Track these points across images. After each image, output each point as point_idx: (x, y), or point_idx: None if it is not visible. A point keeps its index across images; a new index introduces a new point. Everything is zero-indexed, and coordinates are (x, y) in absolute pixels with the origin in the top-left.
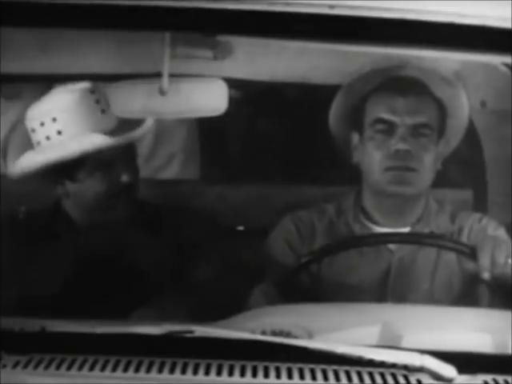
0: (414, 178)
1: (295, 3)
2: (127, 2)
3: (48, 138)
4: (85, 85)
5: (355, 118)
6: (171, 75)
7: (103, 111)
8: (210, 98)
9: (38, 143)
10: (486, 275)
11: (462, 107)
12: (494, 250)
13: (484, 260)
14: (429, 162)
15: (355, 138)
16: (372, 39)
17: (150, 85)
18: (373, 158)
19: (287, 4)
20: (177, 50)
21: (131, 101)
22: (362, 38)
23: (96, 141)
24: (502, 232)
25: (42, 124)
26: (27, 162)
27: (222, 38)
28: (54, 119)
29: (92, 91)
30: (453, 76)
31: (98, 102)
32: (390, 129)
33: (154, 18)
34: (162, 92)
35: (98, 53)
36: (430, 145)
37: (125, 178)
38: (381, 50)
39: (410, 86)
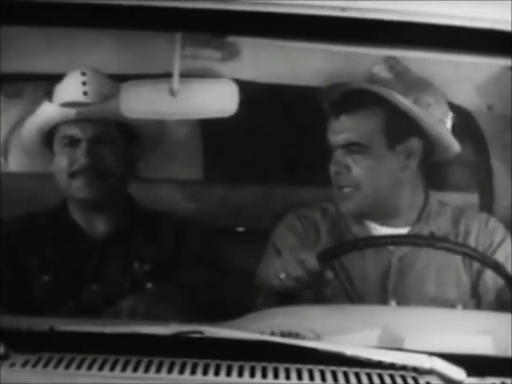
0: (356, 195)
1: (305, 5)
2: (136, 2)
3: None
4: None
5: None
6: (181, 76)
7: (85, 93)
8: (220, 99)
9: None
10: None
11: (409, 109)
12: None
13: None
14: (367, 175)
15: None
16: (378, 41)
17: (160, 85)
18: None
19: (296, 6)
20: (185, 51)
21: (141, 101)
22: (372, 40)
23: (47, 108)
24: (508, 244)
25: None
26: (25, 125)
27: (230, 39)
28: (50, 93)
29: (83, 73)
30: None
31: (84, 84)
32: (332, 148)
33: (163, 18)
34: (173, 92)
35: (105, 53)
36: (365, 159)
37: (82, 160)
38: (386, 52)
39: (347, 102)
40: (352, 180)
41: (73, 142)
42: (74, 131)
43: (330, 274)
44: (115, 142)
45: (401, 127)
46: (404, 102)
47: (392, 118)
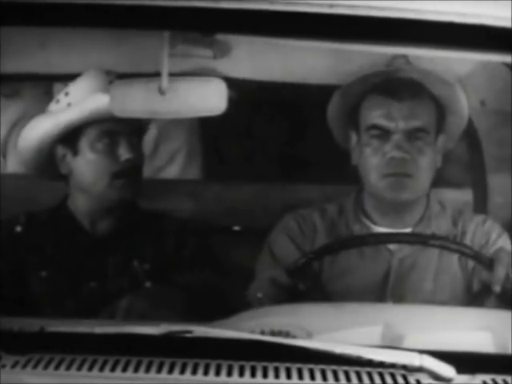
0: (411, 184)
1: (294, 2)
2: (126, 2)
3: (58, 109)
4: (100, 69)
5: (352, 119)
6: (170, 74)
7: None
8: (209, 97)
9: (49, 111)
10: (497, 288)
11: (461, 103)
12: (509, 266)
13: (500, 274)
14: (426, 165)
15: (353, 138)
16: (371, 38)
17: (149, 84)
18: (369, 163)
19: (286, 3)
20: (176, 49)
21: (130, 100)
22: (361, 37)
23: (101, 99)
24: (506, 240)
25: (57, 101)
26: (34, 127)
27: (221, 37)
28: (67, 93)
29: (108, 72)
30: (451, 77)
31: (111, 83)
32: (384, 135)
33: (153, 16)
34: (162, 91)
35: (96, 52)
36: (427, 147)
37: (127, 155)
38: (380, 50)
39: (406, 88)
40: (415, 167)
41: (111, 139)
42: (111, 127)
43: (302, 287)
44: (142, 136)
45: (442, 119)
46: (462, 95)
47: (438, 109)
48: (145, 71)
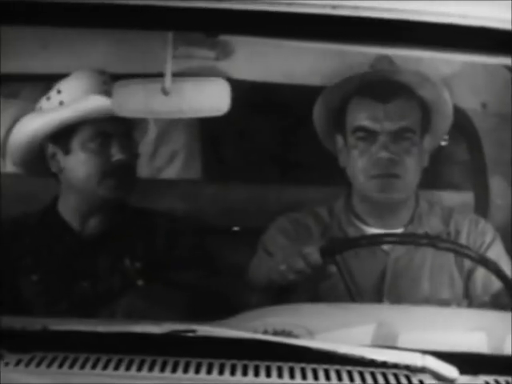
0: (399, 184)
1: (297, 3)
2: (129, 2)
3: (49, 106)
4: (93, 69)
5: (337, 122)
6: (173, 75)
7: (106, 92)
8: (212, 98)
9: (40, 109)
10: None
11: (447, 104)
12: None
13: None
14: (413, 165)
15: (340, 141)
16: (373, 40)
17: (153, 84)
18: (357, 165)
19: (289, 4)
20: (178, 51)
21: (133, 100)
22: (363, 38)
23: (95, 101)
24: (498, 245)
25: (48, 98)
26: (25, 125)
27: (223, 39)
28: (59, 91)
29: (102, 73)
30: (437, 77)
31: (105, 83)
32: (371, 136)
33: (156, 17)
34: (165, 92)
35: (98, 52)
36: (413, 147)
37: (118, 156)
38: (381, 51)
39: (391, 90)
40: (402, 168)
41: (104, 139)
42: (105, 127)
43: (332, 268)
44: (136, 137)
45: (428, 119)
46: (447, 95)
47: (424, 109)
48: (147, 72)
